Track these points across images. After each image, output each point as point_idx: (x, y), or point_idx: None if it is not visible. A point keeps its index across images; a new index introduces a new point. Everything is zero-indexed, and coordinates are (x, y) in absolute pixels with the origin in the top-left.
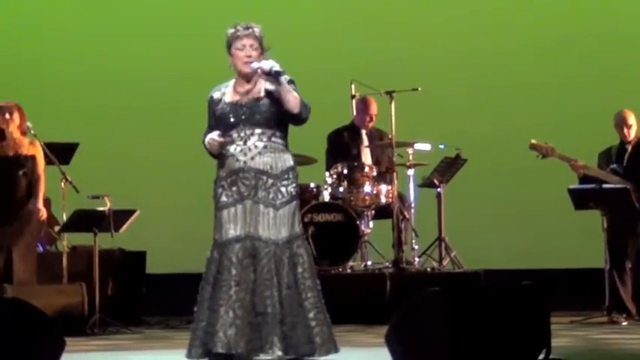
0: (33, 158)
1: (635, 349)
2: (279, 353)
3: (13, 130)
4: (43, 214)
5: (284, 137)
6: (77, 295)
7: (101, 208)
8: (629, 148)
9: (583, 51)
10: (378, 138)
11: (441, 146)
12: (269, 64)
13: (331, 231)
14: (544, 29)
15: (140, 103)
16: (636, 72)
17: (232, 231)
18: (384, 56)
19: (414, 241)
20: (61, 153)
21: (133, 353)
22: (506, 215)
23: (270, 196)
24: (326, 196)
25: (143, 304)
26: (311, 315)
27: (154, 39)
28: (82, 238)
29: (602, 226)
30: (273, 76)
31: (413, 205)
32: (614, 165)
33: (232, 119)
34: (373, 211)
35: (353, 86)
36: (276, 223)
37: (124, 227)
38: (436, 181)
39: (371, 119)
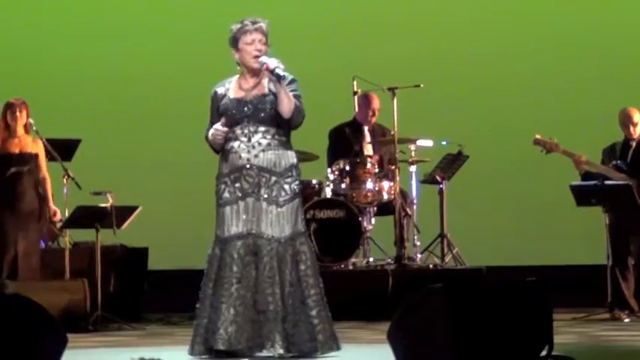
0: (37, 156)
1: (638, 345)
2: (281, 351)
3: (20, 127)
4: (58, 213)
5: (287, 134)
6: (79, 291)
7: (103, 205)
8: (634, 144)
9: (587, 47)
10: (380, 134)
11: (444, 143)
12: (274, 63)
13: (333, 227)
14: (547, 26)
15: (142, 100)
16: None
17: (234, 228)
18: (387, 52)
19: (416, 237)
20: (63, 149)
21: (134, 350)
22: (509, 212)
23: (274, 193)
24: (328, 192)
25: (145, 301)
26: (314, 312)
27: (156, 36)
28: (84, 235)
29: (604, 223)
30: (274, 76)
31: (415, 201)
32: (618, 161)
33: (236, 116)
34: (375, 208)
35: (355, 82)
36: (279, 221)
37: (126, 223)
38: (438, 178)
39: (373, 114)
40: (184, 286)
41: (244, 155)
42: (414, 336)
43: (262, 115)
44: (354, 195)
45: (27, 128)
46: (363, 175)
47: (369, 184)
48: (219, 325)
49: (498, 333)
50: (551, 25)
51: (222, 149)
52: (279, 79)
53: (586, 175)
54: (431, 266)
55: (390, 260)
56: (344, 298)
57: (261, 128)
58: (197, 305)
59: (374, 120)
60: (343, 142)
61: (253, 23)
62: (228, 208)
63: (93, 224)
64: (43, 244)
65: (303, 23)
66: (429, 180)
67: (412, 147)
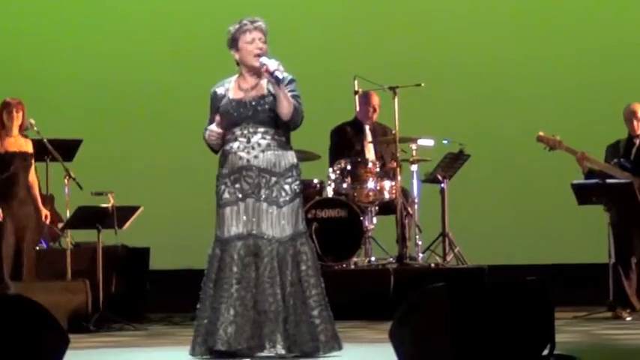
0: (32, 156)
1: (639, 344)
2: (282, 351)
3: (16, 127)
4: (47, 214)
5: (286, 134)
6: (81, 291)
7: (104, 205)
8: (638, 141)
9: (589, 45)
10: (381, 133)
11: (445, 142)
12: (274, 65)
13: (335, 227)
14: (548, 24)
15: (143, 100)
16: None
17: (234, 228)
18: (387, 52)
19: (417, 236)
20: (64, 150)
21: (136, 350)
22: (510, 210)
23: (274, 194)
24: (329, 192)
25: (147, 301)
26: (315, 312)
27: (157, 37)
28: (86, 235)
29: (606, 222)
30: (274, 78)
31: (416, 200)
32: (622, 159)
33: (236, 117)
34: (377, 207)
35: (356, 82)
36: (279, 221)
37: (128, 224)
38: (440, 177)
39: (374, 110)
40: (186, 286)
41: (244, 156)
42: (416, 335)
43: (261, 115)
44: (355, 194)
45: (22, 128)
46: (365, 174)
47: (371, 184)
48: (219, 325)
49: (500, 332)
50: (552, 24)
51: (221, 150)
52: (278, 81)
53: (589, 173)
54: (432, 265)
55: (391, 259)
56: (346, 298)
57: (261, 129)
58: (198, 306)
59: (375, 117)
60: (345, 142)
61: (252, 22)
62: (228, 209)
63: (94, 225)
64: (44, 245)
65: (304, 23)
66: (430, 179)
67: (413, 146)
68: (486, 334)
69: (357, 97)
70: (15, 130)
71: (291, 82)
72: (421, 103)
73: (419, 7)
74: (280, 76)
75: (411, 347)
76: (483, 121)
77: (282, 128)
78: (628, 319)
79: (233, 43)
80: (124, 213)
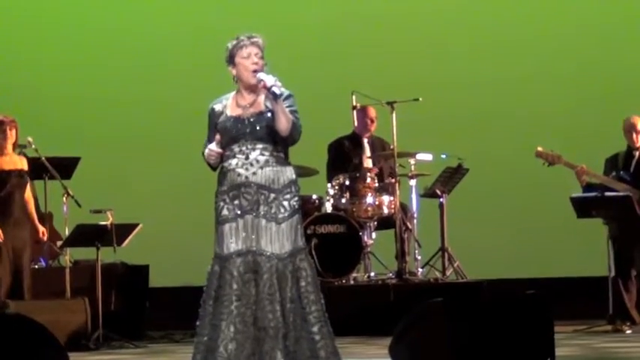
0: (27, 174)
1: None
2: None
3: (10, 145)
4: (44, 230)
5: (285, 150)
6: (80, 309)
7: (103, 223)
8: (637, 154)
9: (587, 59)
10: (380, 148)
11: (443, 156)
12: (271, 81)
13: (334, 242)
14: (546, 38)
15: (141, 118)
16: None
17: (234, 245)
18: (385, 67)
19: (416, 251)
20: (62, 168)
21: None
22: (509, 224)
23: (273, 210)
24: (328, 207)
25: (146, 318)
26: (315, 329)
27: (154, 55)
28: (85, 253)
29: (605, 235)
30: (271, 94)
31: (415, 215)
32: (621, 172)
33: (234, 133)
34: (376, 222)
35: (354, 97)
36: (278, 238)
37: (127, 241)
38: (438, 192)
39: (372, 122)
40: (185, 303)
41: (243, 172)
42: (416, 350)
43: (260, 132)
44: (354, 210)
45: (15, 145)
46: (363, 189)
47: (370, 199)
48: (219, 342)
49: (500, 346)
50: (550, 38)
51: (220, 167)
52: (275, 97)
53: (588, 187)
54: (432, 280)
55: (391, 275)
56: (345, 313)
57: (259, 145)
58: (197, 323)
59: (373, 129)
60: (343, 156)
61: (249, 38)
62: (227, 226)
63: (93, 242)
64: (44, 263)
65: (302, 39)
66: (429, 194)
67: (412, 161)
68: (486, 348)
69: (354, 111)
70: (9, 148)
71: (288, 97)
72: (419, 117)
73: (416, 23)
74: (278, 92)
75: None
76: (481, 136)
77: (281, 144)
78: (628, 332)
79: (230, 59)
80: (123, 230)
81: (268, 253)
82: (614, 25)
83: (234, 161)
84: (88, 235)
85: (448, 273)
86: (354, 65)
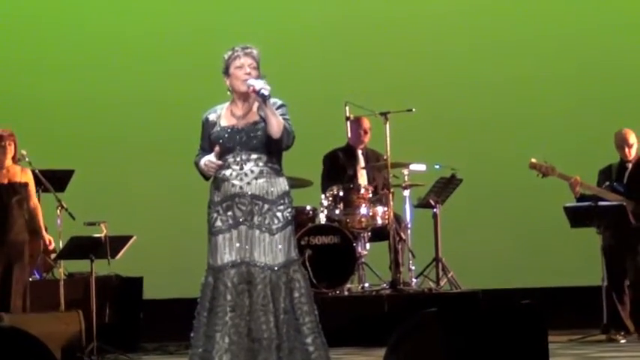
0: (26, 185)
1: None
2: None
3: (8, 159)
4: (52, 242)
5: (279, 161)
6: (75, 322)
7: (97, 235)
8: (630, 166)
9: (580, 70)
10: (374, 159)
11: (437, 167)
12: (260, 84)
13: (328, 253)
14: (539, 49)
15: (135, 130)
16: (635, 91)
17: (227, 256)
18: (378, 78)
19: (410, 262)
20: (56, 180)
21: None
22: (503, 235)
23: (266, 221)
24: (322, 218)
25: (141, 330)
26: (309, 340)
27: (148, 67)
28: (79, 265)
29: (599, 244)
30: (260, 97)
31: (409, 226)
32: (615, 182)
33: (229, 144)
34: (370, 233)
35: (347, 108)
36: (272, 249)
37: (121, 253)
38: (432, 202)
39: (365, 132)
40: (180, 315)
41: (237, 183)
42: None
43: (254, 142)
44: (348, 221)
45: (15, 158)
46: (357, 200)
47: (363, 210)
48: (214, 354)
49: (494, 356)
50: (543, 49)
51: (213, 177)
52: (264, 99)
53: (582, 198)
54: (426, 290)
55: (385, 285)
56: (340, 324)
57: (254, 156)
58: (192, 334)
59: (367, 140)
60: (337, 168)
61: (243, 49)
62: (220, 237)
63: (87, 255)
64: (37, 276)
65: (295, 50)
66: (422, 204)
67: (405, 171)
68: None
69: (348, 123)
70: (8, 161)
71: (281, 106)
72: (412, 128)
73: (409, 34)
74: (266, 93)
75: None
76: (475, 146)
77: (275, 155)
78: (622, 341)
79: (225, 70)
80: (117, 243)
81: (262, 264)
82: (610, 35)
83: (228, 172)
84: (82, 247)
85: (442, 283)
86: (347, 76)
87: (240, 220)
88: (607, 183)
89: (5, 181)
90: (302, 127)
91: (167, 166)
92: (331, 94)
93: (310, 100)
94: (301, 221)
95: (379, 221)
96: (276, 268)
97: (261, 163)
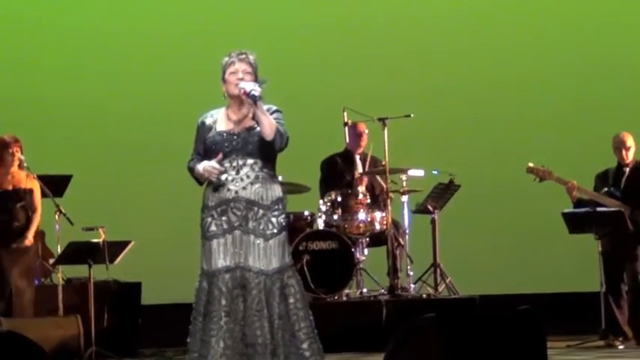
0: (31, 192)
1: None
2: None
3: (15, 165)
4: (30, 242)
5: (273, 167)
6: (73, 327)
7: (95, 240)
8: (627, 170)
9: (578, 74)
10: (372, 165)
11: (435, 172)
12: (250, 86)
13: (326, 259)
14: (537, 55)
15: (133, 135)
16: (632, 94)
17: (222, 261)
18: (376, 83)
19: (409, 267)
20: (54, 185)
21: None
22: (501, 240)
23: (261, 226)
24: (320, 224)
25: (139, 336)
26: (305, 345)
27: (146, 72)
28: (77, 271)
29: (597, 250)
30: (250, 98)
31: (407, 231)
32: (612, 188)
33: (225, 149)
34: (368, 239)
35: (345, 114)
36: (266, 254)
37: (119, 258)
38: (430, 207)
39: (360, 135)
40: (178, 320)
41: (232, 188)
42: None
43: (251, 147)
44: (346, 226)
45: (20, 164)
46: (355, 206)
47: (361, 215)
48: (210, 358)
49: None
50: (542, 54)
51: (208, 181)
52: (254, 100)
53: (579, 203)
54: (424, 296)
55: (383, 291)
56: (338, 330)
57: (249, 161)
58: (188, 339)
59: (364, 143)
60: (335, 173)
61: (238, 55)
62: (215, 242)
63: (85, 260)
64: (36, 281)
65: (293, 55)
66: (420, 210)
67: (403, 177)
68: None
69: (346, 128)
70: (14, 167)
71: (276, 111)
72: (411, 134)
73: (407, 38)
74: (256, 95)
75: None
76: (473, 152)
77: (271, 161)
78: (620, 347)
79: (222, 75)
80: (115, 248)
81: (256, 270)
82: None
83: (223, 176)
84: (80, 252)
85: (440, 289)
86: (345, 82)
87: (235, 224)
88: (605, 189)
89: (10, 187)
90: (300, 133)
91: (165, 171)
92: (329, 100)
93: (308, 105)
94: (299, 226)
95: (377, 227)
96: (270, 274)
97: (256, 168)
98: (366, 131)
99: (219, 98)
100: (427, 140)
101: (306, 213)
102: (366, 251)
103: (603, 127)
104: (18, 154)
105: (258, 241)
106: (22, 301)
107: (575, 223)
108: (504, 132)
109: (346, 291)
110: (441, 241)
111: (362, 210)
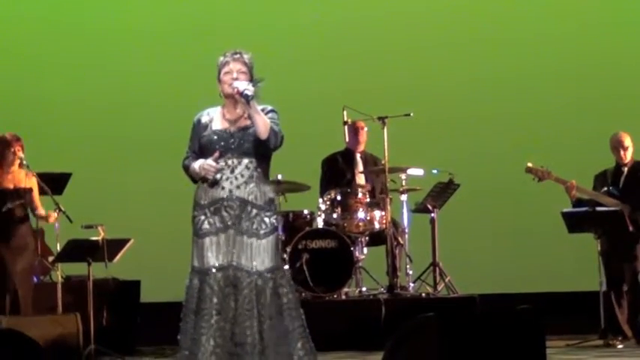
0: (30, 191)
1: None
2: None
3: (16, 164)
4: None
5: (268, 167)
6: (72, 325)
7: (95, 238)
8: (625, 170)
9: (577, 74)
10: (372, 163)
11: (434, 171)
12: (243, 85)
13: (325, 257)
14: (537, 54)
15: (133, 133)
16: (630, 94)
17: (214, 260)
18: (376, 82)
19: (408, 266)
20: (54, 183)
21: None
22: (501, 239)
23: (254, 226)
24: (320, 222)
25: (138, 334)
26: (299, 345)
27: (145, 70)
28: (76, 268)
29: (597, 249)
30: (243, 98)
31: (407, 230)
32: (610, 187)
33: (221, 147)
34: (367, 237)
35: (345, 112)
36: (259, 253)
37: (118, 257)
38: (429, 207)
39: (357, 131)
40: (177, 318)
41: (226, 186)
42: None
43: (247, 147)
44: (345, 225)
45: (21, 163)
46: (355, 204)
47: (361, 214)
48: (200, 356)
49: None
50: (541, 53)
51: (202, 179)
52: (247, 99)
53: (578, 202)
54: (423, 295)
55: (382, 290)
56: (337, 329)
57: (245, 160)
58: (179, 337)
59: (362, 139)
60: (336, 172)
61: (233, 54)
62: (207, 240)
63: (85, 258)
64: (35, 279)
65: (293, 54)
66: (420, 209)
67: (403, 176)
68: None
69: (345, 127)
70: (14, 166)
71: (270, 111)
72: (410, 133)
73: (407, 38)
74: (249, 94)
75: None
76: (472, 151)
77: (265, 161)
78: (620, 346)
79: (218, 75)
80: (115, 246)
81: (249, 269)
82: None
83: (218, 175)
84: (79, 250)
85: (439, 288)
86: (345, 80)
87: (229, 223)
88: (604, 188)
89: (10, 186)
90: (300, 132)
91: (165, 169)
92: (329, 99)
93: (308, 104)
94: (299, 225)
95: (377, 226)
96: (262, 273)
97: (251, 166)
98: (365, 128)
99: (218, 96)
100: (427, 139)
101: (306, 212)
102: (365, 250)
103: (602, 127)
104: (19, 153)
105: (251, 241)
106: (21, 300)
107: (575, 222)
108: (504, 131)
109: (345, 290)
110: (441, 240)
111: (361, 209)
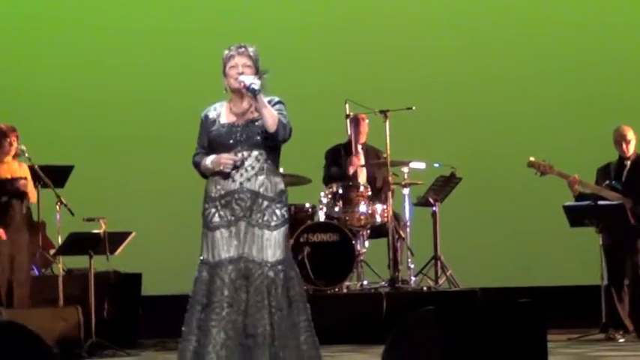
0: (25, 180)
1: None
2: None
3: (11, 154)
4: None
5: (277, 159)
6: (73, 318)
7: (96, 231)
8: (628, 163)
9: (579, 68)
10: (373, 157)
11: (436, 165)
12: (250, 79)
13: (327, 251)
14: (539, 47)
15: (134, 126)
16: (633, 88)
17: (225, 252)
18: (378, 75)
19: (409, 260)
20: (55, 176)
21: None
22: (502, 233)
23: (265, 218)
24: (321, 216)
25: (139, 326)
26: (303, 338)
27: (147, 63)
28: (78, 261)
29: (598, 243)
30: (250, 92)
31: (408, 224)
32: (613, 181)
33: (230, 141)
34: (369, 231)
35: (347, 106)
36: (271, 245)
37: (120, 249)
38: (431, 200)
39: (357, 123)
40: (179, 311)
41: (237, 179)
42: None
43: (254, 139)
44: (347, 218)
45: (18, 154)
46: (356, 198)
47: (363, 207)
48: (210, 349)
49: (493, 355)
50: (543, 47)
51: (213, 173)
52: (254, 93)
53: (580, 197)
54: (425, 289)
55: (384, 283)
56: (338, 322)
57: (254, 152)
58: (183, 328)
59: (364, 131)
60: (339, 163)
61: (237, 48)
62: (218, 232)
63: (86, 251)
64: (36, 272)
65: (295, 48)
66: (422, 202)
67: (405, 170)
68: (479, 357)
69: (348, 120)
70: (9, 156)
71: (278, 103)
72: (412, 126)
73: (409, 31)
74: (256, 88)
75: None
76: (474, 145)
77: (274, 153)
78: (621, 340)
79: (223, 69)
80: (116, 238)
81: (260, 260)
82: (606, 35)
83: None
84: (81, 243)
85: (441, 281)
86: (347, 74)
87: (240, 215)
88: (607, 182)
89: (8, 176)
90: (302, 125)
91: (166, 162)
92: (331, 92)
93: (310, 98)
94: (300, 218)
95: (378, 219)
96: (273, 265)
97: (261, 159)
98: (367, 120)
99: (221, 91)
100: (429, 133)
101: (307, 205)
102: (366, 243)
103: (604, 121)
104: (15, 144)
105: (262, 233)
106: (21, 292)
107: (576, 216)
108: (506, 125)
109: (347, 283)
110: (442, 234)
111: (363, 202)
